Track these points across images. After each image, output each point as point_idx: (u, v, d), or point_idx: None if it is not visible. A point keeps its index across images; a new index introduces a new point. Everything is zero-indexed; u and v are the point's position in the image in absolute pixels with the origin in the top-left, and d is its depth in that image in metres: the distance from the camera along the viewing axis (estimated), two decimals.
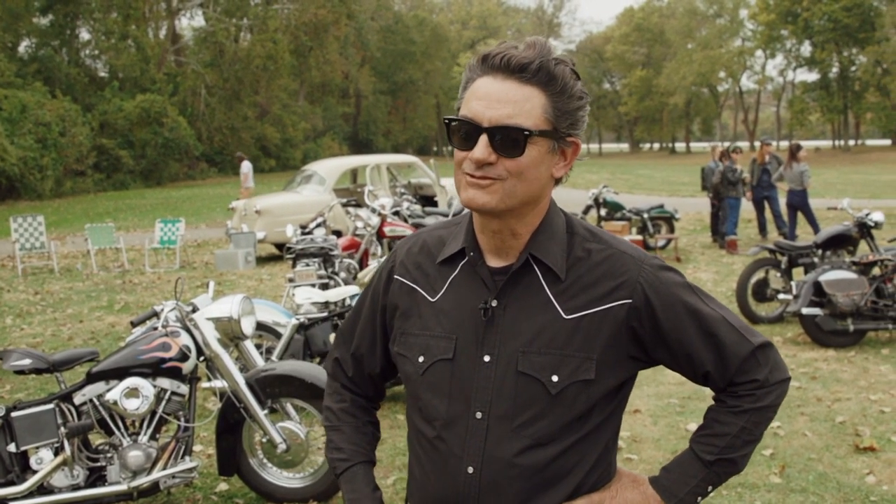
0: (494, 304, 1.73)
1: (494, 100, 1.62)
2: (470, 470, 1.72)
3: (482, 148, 1.62)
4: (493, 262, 1.77)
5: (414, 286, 1.85)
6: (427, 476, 1.81)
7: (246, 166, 23.21)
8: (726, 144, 18.27)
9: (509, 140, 1.62)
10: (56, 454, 4.52)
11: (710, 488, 1.82)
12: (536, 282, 1.74)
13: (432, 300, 1.81)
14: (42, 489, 4.50)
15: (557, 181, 1.76)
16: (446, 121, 1.70)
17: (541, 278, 1.74)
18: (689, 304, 1.76)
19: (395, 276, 1.89)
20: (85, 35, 53.06)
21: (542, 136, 1.64)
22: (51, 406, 4.55)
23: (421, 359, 1.79)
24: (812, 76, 76.88)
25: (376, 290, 1.95)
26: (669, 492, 1.81)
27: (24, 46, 49.78)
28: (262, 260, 16.45)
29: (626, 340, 1.74)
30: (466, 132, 1.65)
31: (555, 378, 1.69)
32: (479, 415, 1.72)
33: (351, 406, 2.04)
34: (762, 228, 16.61)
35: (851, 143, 77.31)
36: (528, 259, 1.74)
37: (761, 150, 16.32)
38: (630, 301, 1.72)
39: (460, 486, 1.74)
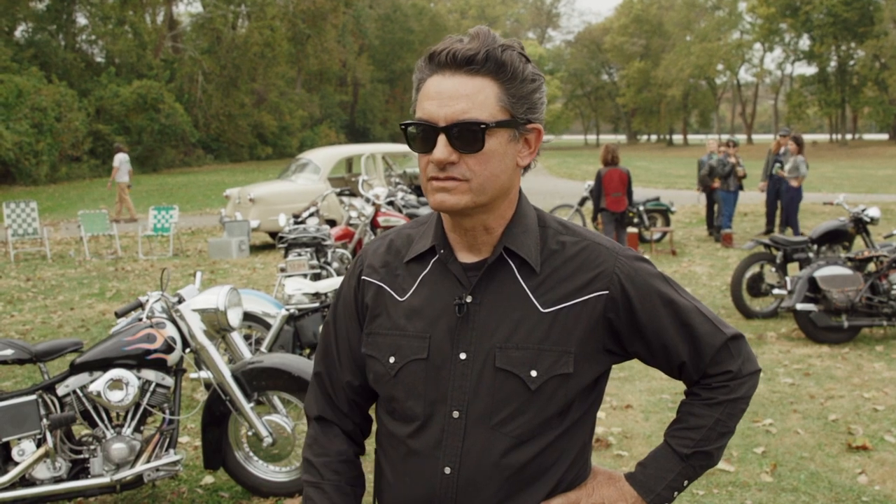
0: (469, 300, 1.70)
1: (447, 97, 1.60)
2: (447, 470, 1.69)
3: (441, 148, 1.59)
4: (465, 257, 1.74)
5: (381, 285, 1.80)
6: (400, 477, 1.76)
7: (118, 159, 22.26)
8: (724, 137, 18.19)
9: (467, 135, 1.59)
10: (38, 446, 4.46)
11: (686, 482, 1.82)
12: (511, 276, 1.71)
13: (401, 299, 1.77)
14: (24, 481, 4.45)
15: (525, 170, 1.74)
16: (402, 126, 1.67)
17: (516, 272, 1.71)
18: (664, 295, 1.75)
19: (363, 278, 1.84)
20: (81, 20, 52.98)
21: (501, 127, 1.61)
22: (33, 397, 4.49)
23: (392, 359, 1.75)
24: (810, 70, 76.88)
25: (346, 298, 1.88)
26: (646, 487, 1.80)
27: (20, 31, 49.64)
28: (256, 248, 16.40)
29: (602, 333, 1.72)
30: (424, 135, 1.62)
31: (533, 373, 1.66)
32: (455, 414, 1.69)
33: (334, 461, 1.89)
34: (770, 221, 16.38)
35: (849, 137, 77.28)
36: (502, 253, 1.71)
37: (777, 142, 16.16)
38: (607, 292, 1.70)
39: (437, 488, 1.70)
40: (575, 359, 1.68)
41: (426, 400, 1.71)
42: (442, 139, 1.59)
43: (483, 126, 1.58)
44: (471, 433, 1.68)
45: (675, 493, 1.81)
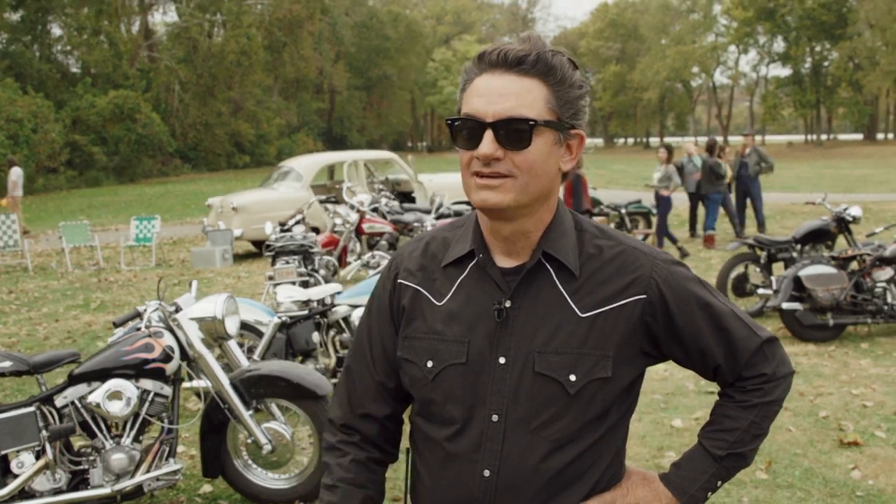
0: (508, 304, 1.70)
1: (496, 94, 1.60)
2: (486, 473, 1.70)
3: (488, 143, 1.60)
4: (503, 262, 1.74)
5: (419, 289, 1.80)
6: (438, 480, 1.77)
7: (15, 173, 21.53)
8: (700, 140, 18.32)
9: (514, 132, 1.59)
10: (37, 458, 4.44)
11: (719, 483, 1.84)
12: (550, 280, 1.71)
13: (439, 304, 1.77)
14: (23, 493, 4.43)
15: (564, 176, 1.74)
16: (448, 122, 1.67)
17: (554, 277, 1.71)
18: (701, 299, 1.77)
19: (399, 281, 1.84)
20: (57, 30, 52.58)
21: (548, 127, 1.62)
22: (31, 409, 4.47)
23: (430, 364, 1.75)
24: (785, 71, 77.47)
25: (381, 301, 1.88)
26: (680, 488, 1.81)
27: None
28: (240, 257, 16.34)
29: (639, 336, 1.73)
30: (470, 130, 1.63)
31: (572, 377, 1.67)
32: (495, 418, 1.70)
33: (353, 467, 1.88)
34: (741, 221, 16.47)
35: (824, 137, 77.90)
36: (540, 257, 1.71)
37: (743, 143, 16.30)
38: (644, 297, 1.71)
39: (475, 490, 1.71)
40: (613, 362, 1.69)
41: (465, 404, 1.72)
42: (489, 135, 1.59)
43: (532, 123, 1.59)
44: (510, 437, 1.69)
45: (709, 493, 1.82)
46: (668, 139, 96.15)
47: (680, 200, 18.24)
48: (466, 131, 1.63)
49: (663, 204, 15.20)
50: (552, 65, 1.63)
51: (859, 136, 77.98)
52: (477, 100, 1.62)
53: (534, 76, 1.62)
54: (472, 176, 1.65)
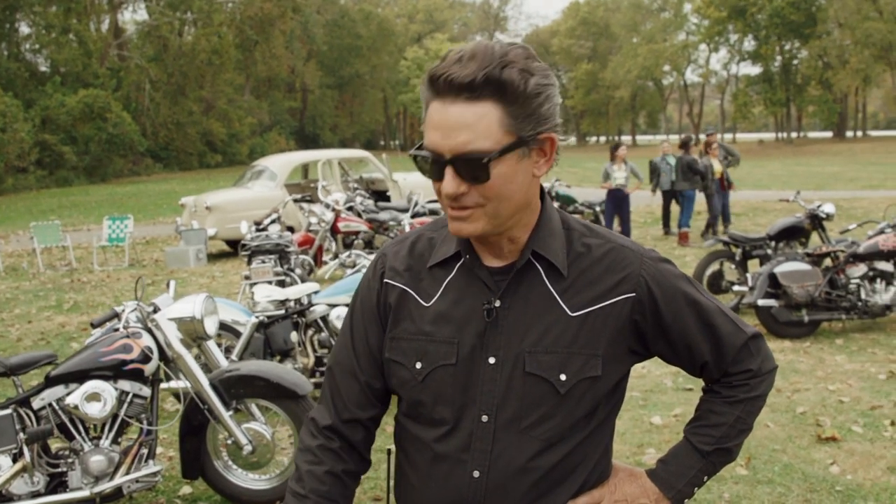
0: (498, 304, 1.68)
1: (447, 128, 1.52)
2: (476, 474, 1.68)
3: (450, 181, 1.55)
4: (491, 262, 1.72)
5: (406, 289, 1.78)
6: (426, 481, 1.75)
7: None
8: (672, 138, 18.43)
9: (471, 168, 1.53)
10: (15, 461, 4.38)
11: (705, 478, 1.84)
12: (539, 280, 1.70)
13: (426, 304, 1.74)
14: (1, 497, 4.38)
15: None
16: (412, 156, 1.62)
17: (543, 276, 1.70)
18: (688, 296, 1.76)
19: (386, 280, 1.81)
20: (25, 29, 52.13)
21: (506, 152, 1.54)
22: (8, 411, 4.41)
23: (419, 365, 1.73)
24: (755, 70, 78.11)
25: (366, 301, 1.84)
26: (668, 484, 1.82)
27: None
28: (213, 257, 16.26)
29: (628, 334, 1.72)
30: (433, 165, 1.58)
31: (563, 377, 1.66)
32: (485, 418, 1.68)
33: (326, 476, 1.81)
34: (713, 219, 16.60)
35: (794, 135, 78.60)
36: (529, 257, 1.70)
37: (706, 141, 16.43)
38: (634, 295, 1.70)
39: (465, 491, 1.70)
40: (603, 361, 1.68)
41: (455, 405, 1.70)
42: (449, 171, 1.55)
43: (486, 160, 1.52)
44: (500, 437, 1.68)
45: (696, 489, 1.83)
46: (640, 137, 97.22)
47: (651, 199, 18.34)
48: (429, 165, 1.59)
49: (626, 204, 15.24)
50: (502, 82, 1.51)
51: (829, 134, 78.77)
52: (433, 132, 1.56)
53: (485, 99, 1.51)
54: (446, 206, 1.62)
